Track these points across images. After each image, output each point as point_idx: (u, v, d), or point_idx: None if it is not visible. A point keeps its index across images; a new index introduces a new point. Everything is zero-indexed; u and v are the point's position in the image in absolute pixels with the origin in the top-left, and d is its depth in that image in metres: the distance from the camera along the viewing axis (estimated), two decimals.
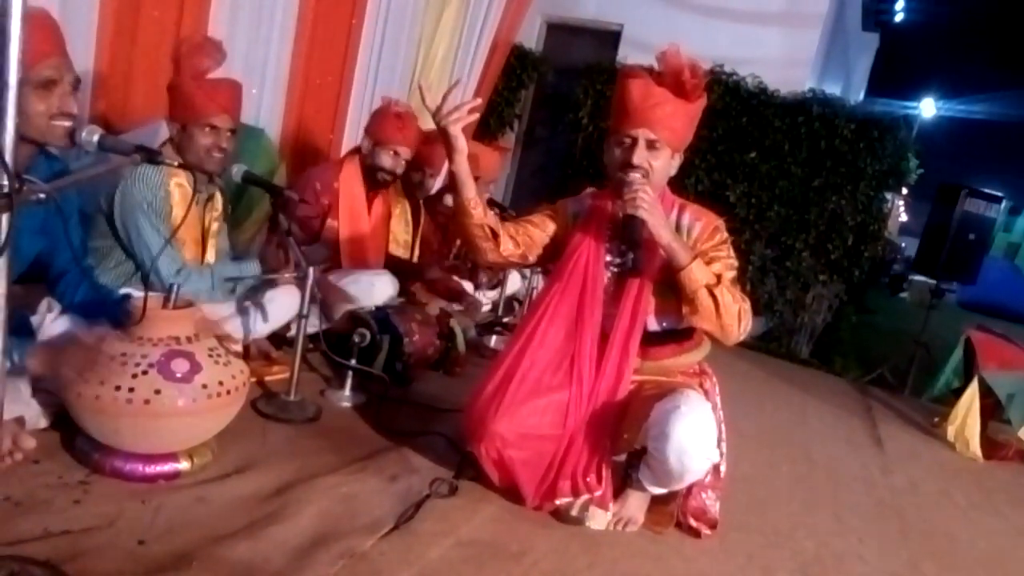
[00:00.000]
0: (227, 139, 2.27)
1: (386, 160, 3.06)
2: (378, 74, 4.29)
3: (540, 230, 2.12)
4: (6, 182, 1.03)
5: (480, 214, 1.99)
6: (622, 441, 1.96)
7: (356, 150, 3.20)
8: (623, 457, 2.03)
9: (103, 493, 1.62)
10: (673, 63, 1.88)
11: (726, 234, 2.04)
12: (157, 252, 2.09)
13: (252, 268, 2.46)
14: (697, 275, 1.85)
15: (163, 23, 3.09)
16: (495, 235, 2.03)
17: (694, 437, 1.80)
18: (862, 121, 5.24)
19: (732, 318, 1.88)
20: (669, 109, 1.89)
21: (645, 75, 1.93)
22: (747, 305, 1.93)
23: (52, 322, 1.86)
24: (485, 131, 5.66)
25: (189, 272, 2.24)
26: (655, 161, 1.92)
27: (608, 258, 2.03)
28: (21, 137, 1.09)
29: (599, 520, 1.95)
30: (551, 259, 2.15)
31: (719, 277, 1.89)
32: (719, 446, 2.00)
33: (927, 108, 15.18)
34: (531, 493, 1.95)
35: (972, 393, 3.58)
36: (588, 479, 1.92)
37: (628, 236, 1.89)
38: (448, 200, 3.51)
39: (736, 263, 2.02)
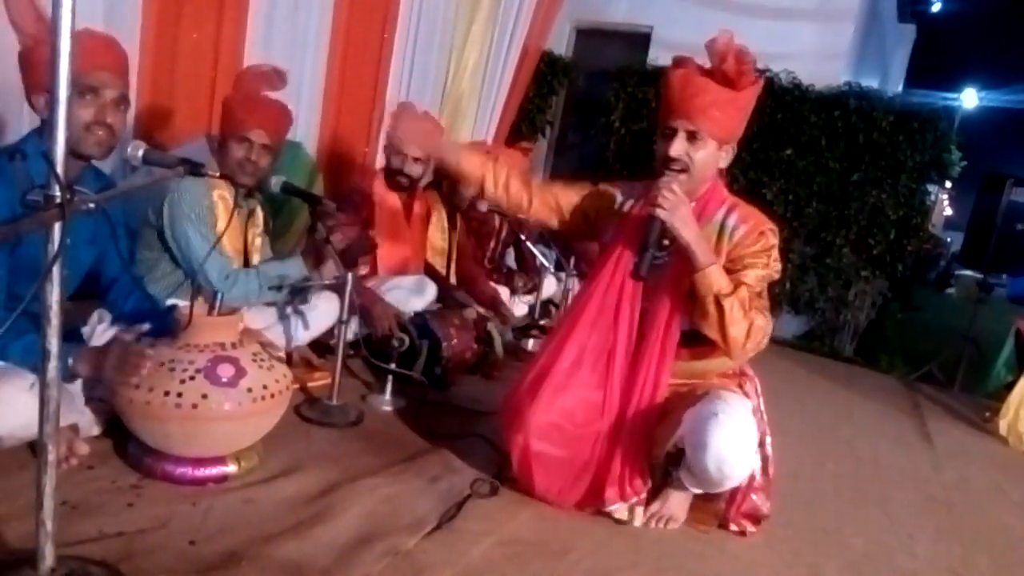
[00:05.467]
0: (260, 153, 2.30)
1: (395, 162, 3.07)
2: (411, 85, 4.36)
3: (565, 196, 2.13)
4: (58, 193, 1.07)
5: (491, 185, 2.10)
6: (651, 456, 1.96)
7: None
8: None
9: (155, 496, 1.67)
10: (720, 50, 1.82)
11: (773, 241, 1.93)
12: (204, 257, 2.14)
13: (296, 266, 2.45)
14: (710, 280, 1.79)
15: (202, 44, 3.18)
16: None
17: (733, 445, 1.76)
18: (900, 113, 5.14)
19: (739, 332, 1.80)
20: (709, 99, 1.83)
21: (688, 65, 1.88)
22: (761, 321, 1.83)
23: (103, 332, 1.92)
24: (518, 137, 5.69)
25: (237, 275, 2.28)
26: (696, 153, 1.86)
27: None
28: None
29: (640, 516, 1.95)
30: (585, 234, 2.17)
31: (738, 287, 1.81)
32: (763, 447, 1.96)
33: (969, 99, 14.74)
34: (553, 492, 1.95)
35: None
36: (634, 482, 1.92)
37: (644, 238, 1.82)
38: (482, 206, 3.53)
39: (775, 274, 1.93)
